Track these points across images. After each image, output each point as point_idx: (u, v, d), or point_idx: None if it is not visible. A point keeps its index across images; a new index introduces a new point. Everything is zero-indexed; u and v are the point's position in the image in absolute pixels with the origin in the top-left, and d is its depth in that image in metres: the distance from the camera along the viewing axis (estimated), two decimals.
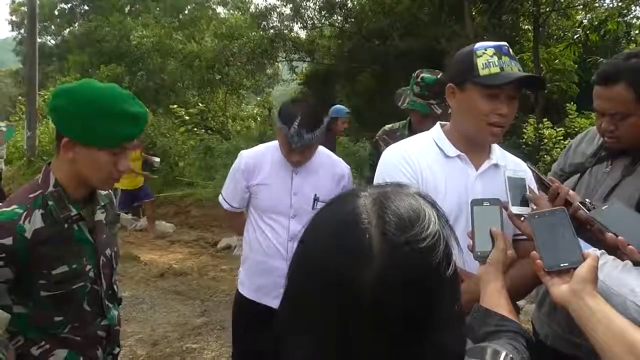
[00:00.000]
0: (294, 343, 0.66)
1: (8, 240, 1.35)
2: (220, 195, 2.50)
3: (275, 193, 2.32)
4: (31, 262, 1.39)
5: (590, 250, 1.19)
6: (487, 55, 1.45)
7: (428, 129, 2.65)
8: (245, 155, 2.40)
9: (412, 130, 2.82)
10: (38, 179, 1.50)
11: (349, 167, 2.50)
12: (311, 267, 0.65)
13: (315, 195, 2.36)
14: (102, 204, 1.63)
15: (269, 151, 2.38)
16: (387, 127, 3.00)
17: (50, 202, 1.45)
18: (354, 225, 0.63)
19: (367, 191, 0.68)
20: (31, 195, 1.45)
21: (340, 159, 2.51)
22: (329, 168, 2.39)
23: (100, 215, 1.60)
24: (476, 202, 1.34)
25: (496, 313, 1.04)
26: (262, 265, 2.35)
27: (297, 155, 2.24)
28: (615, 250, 1.29)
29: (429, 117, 2.63)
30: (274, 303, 2.34)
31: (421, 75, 2.72)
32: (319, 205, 2.38)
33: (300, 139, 2.16)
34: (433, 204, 0.69)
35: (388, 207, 0.64)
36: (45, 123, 13.66)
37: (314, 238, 0.68)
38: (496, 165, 1.57)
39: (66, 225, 1.48)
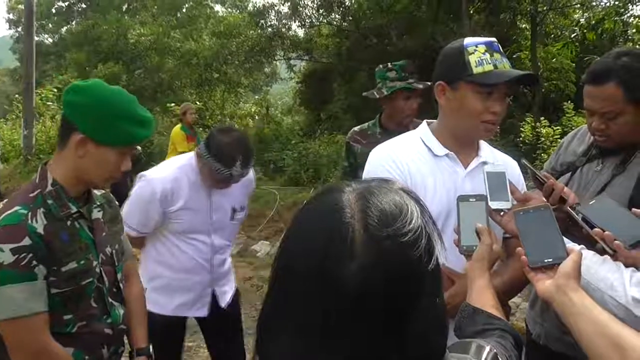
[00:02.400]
0: (278, 330, 0.67)
1: (26, 241, 1.36)
2: (124, 222, 2.06)
3: (196, 215, 2.25)
4: (48, 257, 1.40)
5: (573, 246, 1.20)
6: (479, 53, 1.43)
7: (402, 119, 2.71)
8: (158, 180, 2.17)
9: (383, 127, 2.84)
10: (35, 178, 1.51)
11: (252, 170, 2.44)
12: (295, 259, 0.67)
13: (233, 207, 2.36)
14: (98, 203, 1.64)
15: (183, 172, 2.22)
16: (357, 128, 2.99)
17: (49, 201, 1.46)
18: (337, 219, 0.65)
19: (352, 186, 0.70)
20: (31, 195, 1.46)
21: None
22: None
23: (97, 214, 1.61)
24: (462, 198, 1.35)
25: (484, 311, 1.04)
26: (185, 282, 2.31)
27: (224, 183, 2.22)
28: (601, 251, 1.30)
29: (414, 95, 2.71)
30: (198, 313, 2.37)
31: (387, 65, 2.80)
32: (237, 215, 2.39)
33: (240, 177, 2.15)
34: (417, 200, 0.70)
35: (371, 202, 0.66)
36: (42, 121, 13.63)
37: (298, 231, 0.69)
38: (485, 163, 1.56)
39: (69, 223, 1.49)
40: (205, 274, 2.33)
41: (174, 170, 2.24)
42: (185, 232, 2.26)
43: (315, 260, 0.64)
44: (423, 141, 1.58)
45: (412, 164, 1.53)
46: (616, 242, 1.25)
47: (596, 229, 1.30)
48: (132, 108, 1.48)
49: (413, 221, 0.65)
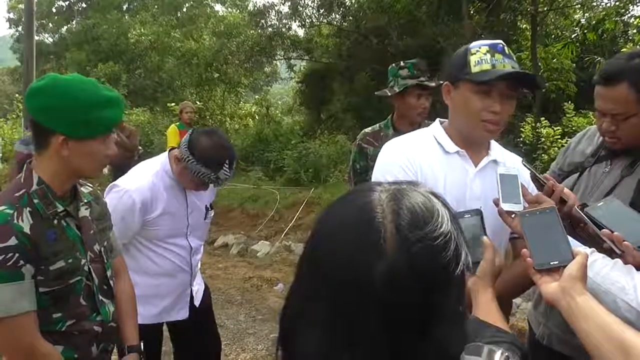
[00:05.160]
0: (304, 326, 0.67)
1: (12, 241, 1.36)
2: None
3: (175, 219, 2.24)
4: (35, 257, 1.40)
5: (580, 248, 1.19)
6: (480, 53, 1.45)
7: (414, 117, 2.72)
8: (136, 191, 2.10)
9: (395, 129, 2.84)
10: (20, 177, 1.50)
11: None
12: (323, 258, 0.67)
13: (206, 205, 2.36)
14: (86, 200, 1.63)
15: (159, 179, 2.18)
16: (368, 130, 2.98)
17: (35, 200, 1.45)
18: (369, 218, 0.65)
19: (383, 186, 0.70)
20: (17, 195, 1.45)
21: None
22: None
23: (84, 212, 1.60)
24: (458, 216, 1.34)
25: (490, 325, 1.03)
26: (165, 287, 2.30)
27: (205, 186, 2.21)
28: (608, 252, 1.29)
29: (425, 93, 2.74)
30: (180, 315, 2.36)
31: (399, 63, 2.82)
32: (210, 213, 2.39)
33: (226, 180, 2.14)
34: (446, 205, 0.70)
35: (403, 203, 0.66)
36: None
37: (328, 228, 0.69)
38: (495, 162, 1.58)
39: (55, 222, 1.48)
40: (186, 276, 2.34)
41: (148, 178, 2.16)
42: (164, 237, 2.24)
43: (344, 257, 0.64)
44: (435, 138, 1.59)
45: (423, 160, 1.54)
46: (625, 242, 1.25)
47: (605, 230, 1.30)
48: (97, 93, 1.45)
49: (444, 226, 0.65)
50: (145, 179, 2.16)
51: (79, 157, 1.46)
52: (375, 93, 3.06)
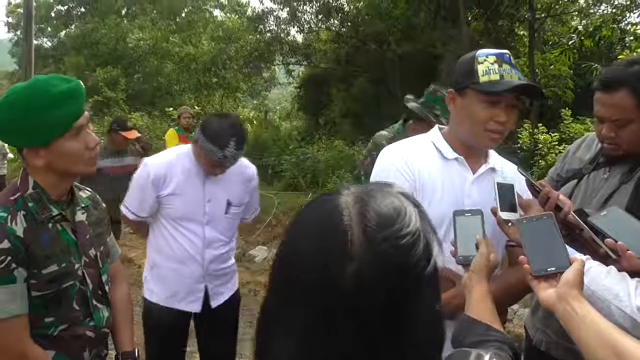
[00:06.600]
0: (278, 330, 0.67)
1: (5, 244, 1.35)
2: (123, 205, 2.37)
3: (189, 202, 2.27)
4: (28, 260, 1.39)
5: (577, 255, 1.20)
6: (488, 62, 1.45)
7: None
8: (153, 164, 2.28)
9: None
10: (17, 181, 1.50)
11: (254, 166, 2.50)
12: (293, 262, 0.67)
13: (228, 200, 2.35)
14: (83, 205, 1.62)
15: (178, 159, 2.29)
16: (384, 141, 2.90)
17: (30, 204, 1.45)
18: (336, 222, 0.65)
19: (350, 189, 0.70)
20: (11, 198, 1.45)
21: (246, 159, 2.45)
22: (238, 171, 2.36)
23: (81, 216, 1.59)
24: (458, 213, 1.37)
25: (482, 323, 1.04)
26: (177, 272, 2.32)
27: (221, 169, 2.24)
28: (604, 258, 1.30)
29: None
30: (190, 307, 2.36)
31: (436, 92, 2.74)
32: (233, 209, 2.38)
33: (235, 159, 2.17)
34: (416, 204, 0.70)
35: (369, 205, 0.66)
36: None
37: (296, 234, 0.69)
38: (493, 170, 1.58)
39: (50, 225, 1.47)
40: (196, 266, 2.32)
41: (170, 156, 2.32)
42: (179, 219, 2.29)
43: (313, 262, 0.64)
44: (434, 144, 1.60)
45: (422, 165, 1.55)
46: (629, 252, 1.25)
47: (608, 239, 1.30)
48: (48, 93, 1.39)
49: (411, 225, 0.65)
50: (166, 157, 2.32)
51: (57, 160, 1.44)
52: (409, 105, 2.90)
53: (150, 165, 2.27)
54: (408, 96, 2.98)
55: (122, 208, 2.37)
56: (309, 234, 0.67)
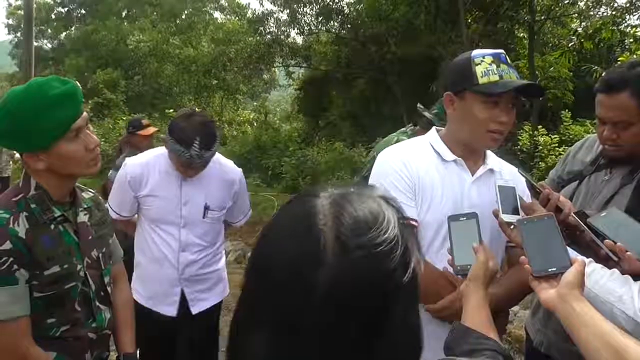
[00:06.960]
0: (250, 330, 0.65)
1: (7, 245, 1.35)
2: (107, 203, 2.29)
3: (164, 203, 2.25)
4: (30, 262, 1.39)
5: (577, 256, 1.20)
6: (485, 63, 1.45)
7: None
8: (130, 165, 2.29)
9: None
10: (19, 182, 1.50)
11: (240, 170, 2.44)
12: (266, 265, 0.65)
13: (206, 203, 2.31)
14: (85, 206, 1.62)
15: (156, 160, 2.28)
16: (394, 135, 2.96)
17: (32, 205, 1.45)
18: (310, 225, 0.62)
19: (327, 192, 0.67)
20: (14, 199, 1.45)
21: (231, 163, 2.44)
22: (218, 175, 2.33)
23: (83, 217, 1.59)
24: (453, 218, 1.35)
25: (475, 331, 1.02)
26: (155, 272, 2.31)
27: (193, 170, 2.21)
28: (605, 260, 1.30)
29: None
30: (167, 310, 2.32)
31: None
32: (211, 214, 2.32)
33: (201, 159, 2.13)
34: (396, 209, 0.67)
35: (345, 209, 0.63)
36: None
37: (270, 237, 0.67)
38: (491, 171, 1.58)
39: (52, 227, 1.48)
40: (171, 269, 2.29)
41: (148, 157, 2.32)
42: (156, 220, 2.28)
43: (286, 265, 0.62)
44: (432, 146, 1.59)
45: (421, 167, 1.54)
46: (628, 253, 1.26)
47: (608, 241, 1.30)
48: (42, 97, 1.38)
49: (389, 231, 0.62)
50: (144, 158, 2.33)
51: (57, 162, 1.44)
52: (426, 115, 2.89)
53: (129, 165, 2.29)
54: (420, 106, 2.98)
55: (107, 206, 2.35)
56: (283, 235, 0.65)
